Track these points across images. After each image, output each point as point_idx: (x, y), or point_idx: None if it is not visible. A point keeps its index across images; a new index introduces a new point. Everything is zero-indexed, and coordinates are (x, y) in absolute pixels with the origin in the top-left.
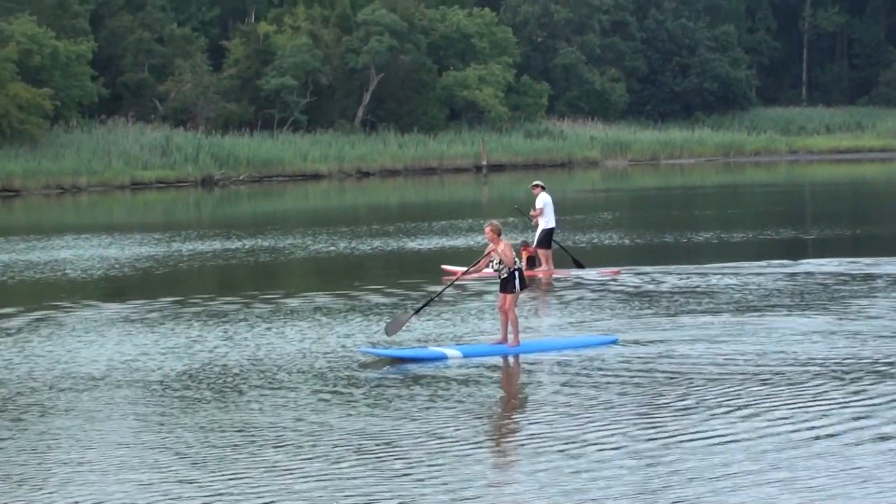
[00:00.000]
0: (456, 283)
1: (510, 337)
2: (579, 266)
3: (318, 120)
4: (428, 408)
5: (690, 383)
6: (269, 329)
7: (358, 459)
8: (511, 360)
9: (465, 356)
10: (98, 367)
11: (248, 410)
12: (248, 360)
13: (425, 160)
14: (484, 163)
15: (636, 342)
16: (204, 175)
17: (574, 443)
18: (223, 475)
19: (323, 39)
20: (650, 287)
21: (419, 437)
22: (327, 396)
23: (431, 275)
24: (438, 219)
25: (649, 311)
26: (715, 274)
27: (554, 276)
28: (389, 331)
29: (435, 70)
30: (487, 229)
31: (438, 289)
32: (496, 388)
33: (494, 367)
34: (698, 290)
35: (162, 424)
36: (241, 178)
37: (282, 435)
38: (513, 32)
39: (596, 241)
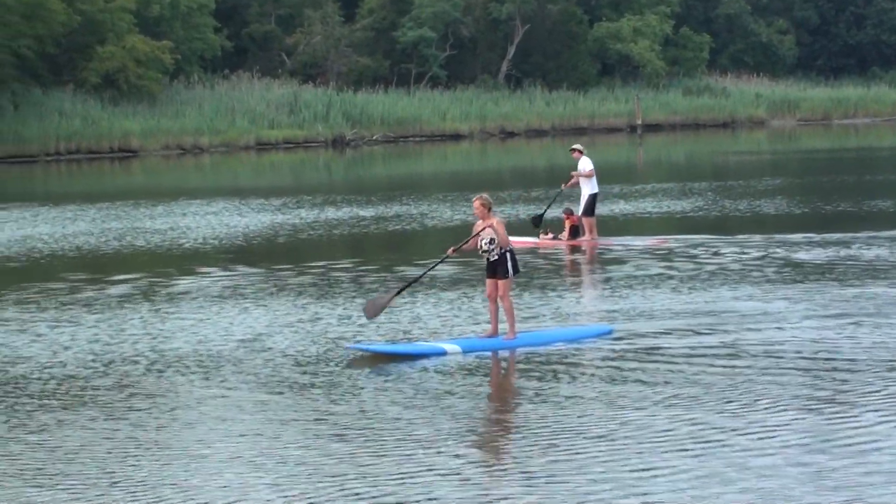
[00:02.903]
0: (445, 260)
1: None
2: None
3: (458, 75)
4: (572, 395)
5: (852, 373)
6: (393, 308)
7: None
8: (511, 354)
9: (465, 352)
10: (210, 345)
11: (361, 401)
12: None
13: (575, 119)
14: (639, 122)
15: (783, 324)
16: (334, 135)
17: (745, 434)
18: (336, 470)
19: None
20: (811, 256)
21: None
22: (447, 386)
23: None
24: None
25: (817, 285)
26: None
27: (599, 246)
28: (368, 313)
29: (586, 21)
30: (477, 203)
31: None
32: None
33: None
34: (868, 262)
35: (267, 411)
36: (374, 138)
37: (398, 429)
38: None
39: (758, 208)
